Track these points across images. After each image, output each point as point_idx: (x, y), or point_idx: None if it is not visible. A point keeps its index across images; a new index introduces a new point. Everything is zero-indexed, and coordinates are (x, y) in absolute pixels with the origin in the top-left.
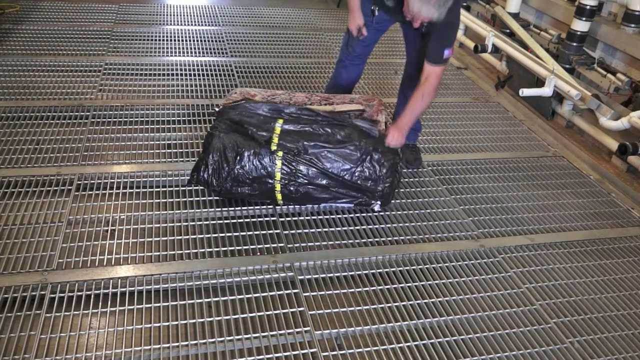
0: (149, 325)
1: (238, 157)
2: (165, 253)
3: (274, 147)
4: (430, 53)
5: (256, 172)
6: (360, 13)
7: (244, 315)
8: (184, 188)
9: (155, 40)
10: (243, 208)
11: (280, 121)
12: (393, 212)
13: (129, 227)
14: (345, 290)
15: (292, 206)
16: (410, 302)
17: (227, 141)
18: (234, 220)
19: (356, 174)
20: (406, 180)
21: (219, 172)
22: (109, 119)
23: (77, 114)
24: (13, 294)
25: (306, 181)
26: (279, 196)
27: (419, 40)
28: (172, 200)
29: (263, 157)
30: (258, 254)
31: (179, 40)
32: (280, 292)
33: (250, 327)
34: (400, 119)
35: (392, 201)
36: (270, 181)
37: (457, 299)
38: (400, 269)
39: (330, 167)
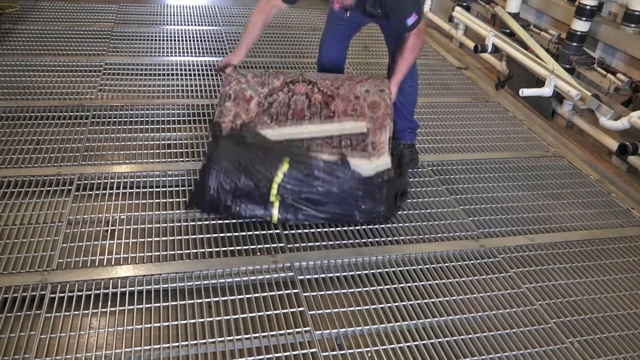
0: (149, 325)
1: (236, 199)
2: (165, 253)
3: (272, 199)
4: (400, 29)
5: (252, 213)
6: (237, 58)
7: (244, 315)
8: (184, 188)
9: (155, 40)
10: None
11: (279, 177)
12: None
13: (129, 227)
14: (345, 290)
15: None
16: (410, 302)
17: (223, 179)
18: (234, 220)
19: (356, 213)
20: None
21: (216, 205)
22: (109, 119)
23: (77, 114)
24: (13, 294)
25: (302, 217)
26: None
27: (391, 27)
28: (172, 200)
29: (259, 205)
30: (258, 254)
31: (179, 40)
32: (280, 292)
33: (250, 327)
34: (393, 76)
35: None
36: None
37: (457, 299)
38: (400, 269)
39: (326, 210)
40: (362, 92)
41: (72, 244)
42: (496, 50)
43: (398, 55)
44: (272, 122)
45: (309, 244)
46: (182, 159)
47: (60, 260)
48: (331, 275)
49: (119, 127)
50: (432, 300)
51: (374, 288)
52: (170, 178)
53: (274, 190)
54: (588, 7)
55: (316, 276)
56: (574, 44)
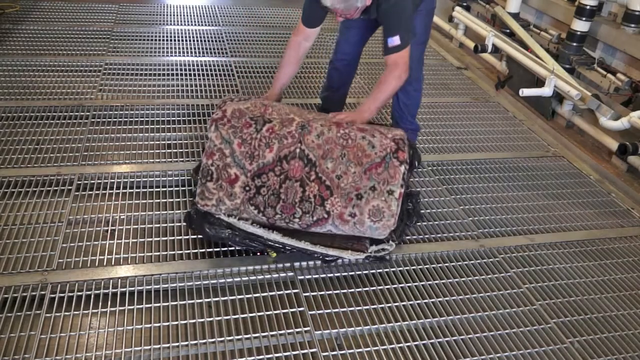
0: (149, 325)
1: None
2: (165, 253)
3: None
4: (383, 43)
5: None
6: (275, 94)
7: (244, 315)
8: (184, 188)
9: (155, 40)
10: None
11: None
12: None
13: (129, 227)
14: (345, 290)
15: None
16: (410, 302)
17: (215, 234)
18: None
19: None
20: None
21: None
22: (109, 119)
23: (77, 114)
24: (13, 294)
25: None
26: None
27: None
28: (172, 200)
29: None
30: (258, 254)
31: (179, 40)
32: (280, 292)
33: (250, 327)
34: (369, 99)
35: None
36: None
37: (457, 299)
38: (400, 269)
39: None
40: (366, 190)
41: (72, 244)
42: (496, 50)
43: (378, 81)
44: (258, 214)
45: None
46: (182, 159)
47: (60, 260)
48: (331, 275)
49: (119, 127)
50: (432, 300)
51: (373, 288)
52: (170, 178)
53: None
54: (588, 7)
55: (316, 276)
56: (574, 44)
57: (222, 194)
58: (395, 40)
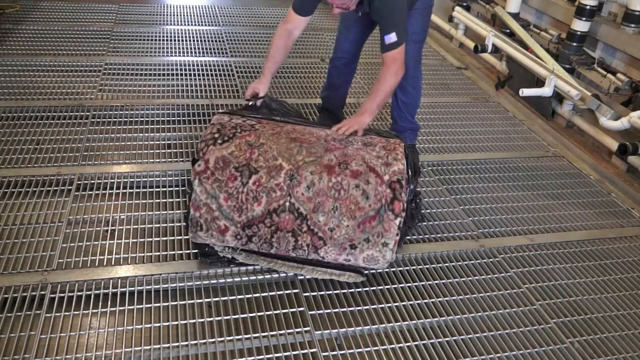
0: (149, 325)
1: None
2: (165, 253)
3: None
4: (380, 40)
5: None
6: (264, 80)
7: (244, 315)
8: (184, 188)
9: (155, 40)
10: None
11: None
12: None
13: (129, 227)
14: (345, 290)
15: None
16: (410, 302)
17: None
18: None
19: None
20: None
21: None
22: (109, 119)
23: (77, 114)
24: (13, 294)
25: None
26: None
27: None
28: (172, 200)
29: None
30: None
31: (179, 40)
32: (280, 292)
33: (250, 327)
34: (368, 101)
35: None
36: None
37: (457, 299)
38: (400, 269)
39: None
40: (360, 241)
41: (72, 244)
42: (496, 50)
43: (376, 80)
44: (253, 254)
45: None
46: (182, 159)
47: (60, 260)
48: None
49: (119, 127)
50: (432, 300)
51: (373, 288)
52: (170, 178)
53: None
54: (588, 7)
55: (316, 276)
56: (574, 44)
57: (215, 240)
58: (392, 37)
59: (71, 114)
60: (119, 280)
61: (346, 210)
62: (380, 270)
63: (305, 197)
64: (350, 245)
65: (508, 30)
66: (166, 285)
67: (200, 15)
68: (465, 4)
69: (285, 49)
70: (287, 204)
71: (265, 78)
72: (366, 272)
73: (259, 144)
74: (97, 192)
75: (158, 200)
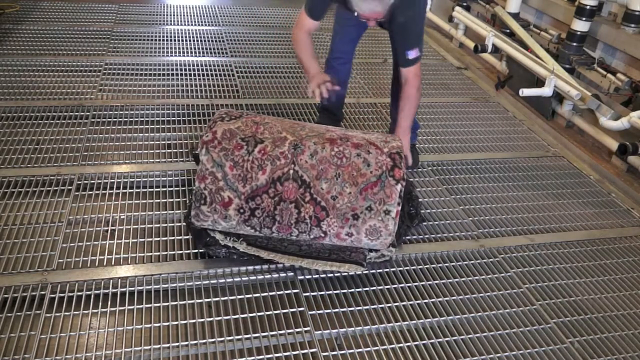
0: (149, 325)
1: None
2: (165, 253)
3: None
4: (399, 55)
5: None
6: (319, 70)
7: (244, 315)
8: (184, 188)
9: (155, 40)
10: None
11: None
12: None
13: (129, 227)
14: (345, 291)
15: None
16: (410, 302)
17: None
18: None
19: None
20: None
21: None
22: (109, 119)
23: (77, 114)
24: (13, 294)
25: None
26: None
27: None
28: (172, 200)
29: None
30: None
31: (179, 40)
32: (280, 292)
33: (250, 327)
34: (400, 122)
35: None
36: None
37: (457, 299)
38: (400, 269)
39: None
40: (363, 210)
41: (72, 244)
42: (496, 50)
43: (401, 97)
44: (255, 233)
45: None
46: (182, 159)
47: (60, 260)
48: (331, 275)
49: (119, 127)
50: (432, 300)
51: (373, 288)
52: (170, 178)
53: None
54: (588, 7)
55: (316, 276)
56: (574, 44)
57: (217, 216)
58: (414, 53)
59: (71, 114)
60: (119, 280)
61: (348, 176)
62: (380, 271)
63: (309, 164)
64: (353, 216)
65: (508, 30)
66: (166, 285)
67: (200, 15)
68: (465, 4)
69: (312, 46)
70: (291, 171)
71: (317, 65)
72: (366, 263)
73: (265, 122)
74: (97, 192)
75: (158, 200)
